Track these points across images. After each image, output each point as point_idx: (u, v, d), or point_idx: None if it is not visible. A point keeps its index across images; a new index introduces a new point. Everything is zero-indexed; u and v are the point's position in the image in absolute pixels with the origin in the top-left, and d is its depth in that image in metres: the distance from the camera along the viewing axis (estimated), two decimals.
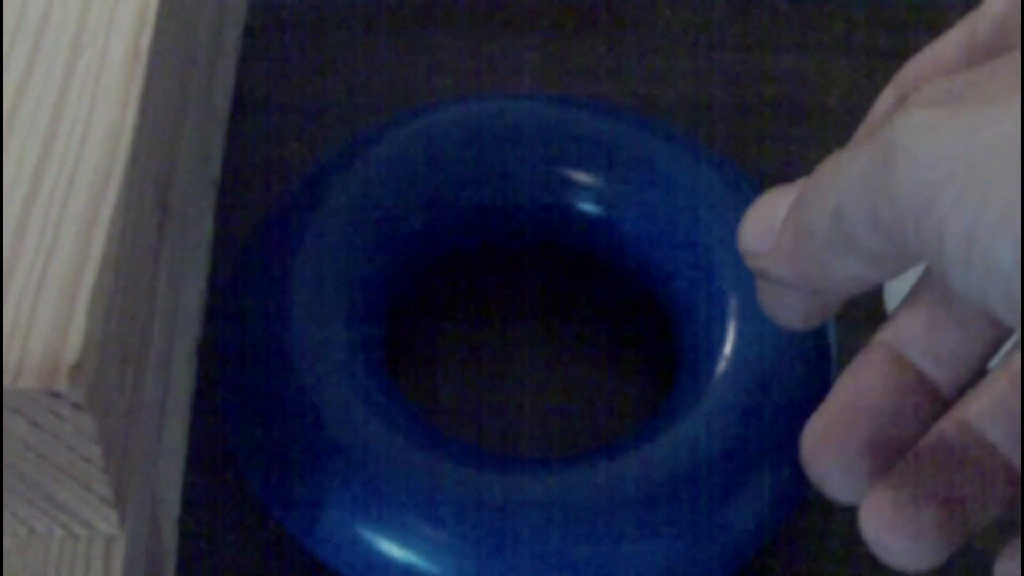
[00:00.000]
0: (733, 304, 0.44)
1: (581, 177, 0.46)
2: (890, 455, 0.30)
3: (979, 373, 0.31)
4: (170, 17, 0.36)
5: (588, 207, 0.46)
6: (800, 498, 0.42)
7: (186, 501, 0.43)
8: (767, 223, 0.31)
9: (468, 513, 0.40)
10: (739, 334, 0.43)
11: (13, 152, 0.31)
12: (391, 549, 0.39)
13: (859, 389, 0.31)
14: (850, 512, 0.44)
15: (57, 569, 0.32)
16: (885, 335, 0.32)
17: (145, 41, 0.33)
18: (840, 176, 0.28)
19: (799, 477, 0.42)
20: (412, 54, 0.54)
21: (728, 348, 0.43)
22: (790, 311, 0.33)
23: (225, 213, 0.48)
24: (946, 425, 0.31)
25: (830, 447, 0.30)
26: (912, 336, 0.32)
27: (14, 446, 0.30)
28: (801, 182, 0.31)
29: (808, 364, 0.43)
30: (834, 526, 0.44)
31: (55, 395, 0.29)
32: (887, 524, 0.29)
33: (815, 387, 0.43)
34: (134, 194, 0.32)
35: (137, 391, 0.34)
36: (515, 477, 0.41)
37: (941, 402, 0.31)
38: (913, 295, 0.32)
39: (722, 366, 0.43)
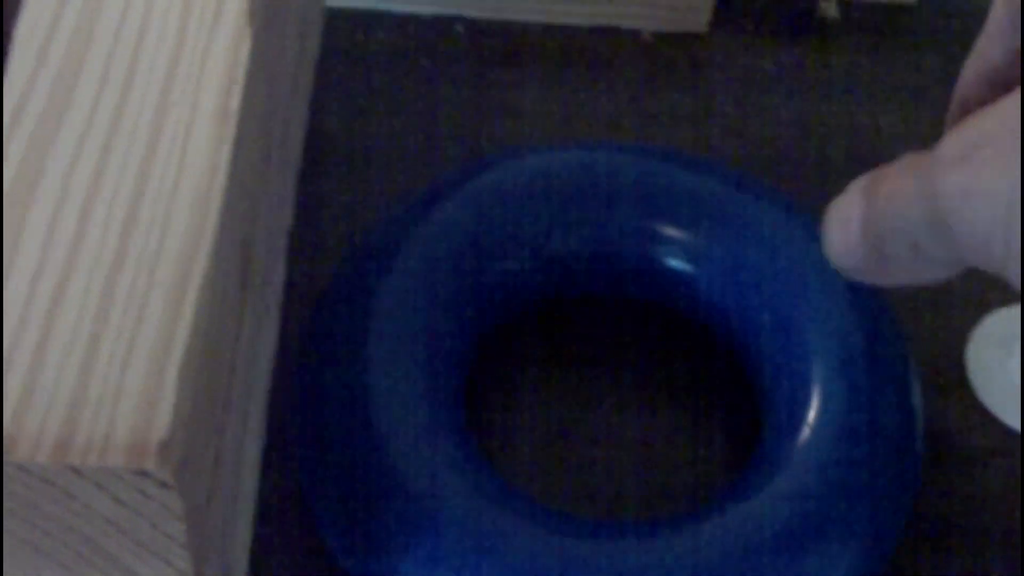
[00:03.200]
0: (818, 369, 0.43)
1: (669, 231, 0.45)
2: None
3: None
4: (258, 70, 0.35)
5: (675, 262, 0.45)
6: (884, 562, 0.42)
7: (254, 553, 0.42)
8: (849, 238, 0.37)
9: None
10: (824, 400, 0.42)
11: (98, 215, 0.30)
12: None
13: None
14: None
15: None
16: None
17: (235, 101, 0.32)
18: (909, 215, 0.34)
19: (878, 551, 0.41)
20: (489, 98, 0.53)
21: (812, 415, 0.42)
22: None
23: (298, 261, 0.47)
24: None
25: None
26: None
27: (96, 522, 0.29)
28: (861, 188, 0.36)
29: (894, 432, 0.42)
30: None
31: (142, 473, 0.28)
32: None
33: (901, 457, 0.42)
34: (222, 258, 0.31)
35: (219, 460, 0.33)
36: (584, 541, 0.40)
37: None
38: None
39: (806, 434, 0.42)
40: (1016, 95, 0.33)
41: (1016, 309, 0.50)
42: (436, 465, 0.40)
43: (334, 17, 0.53)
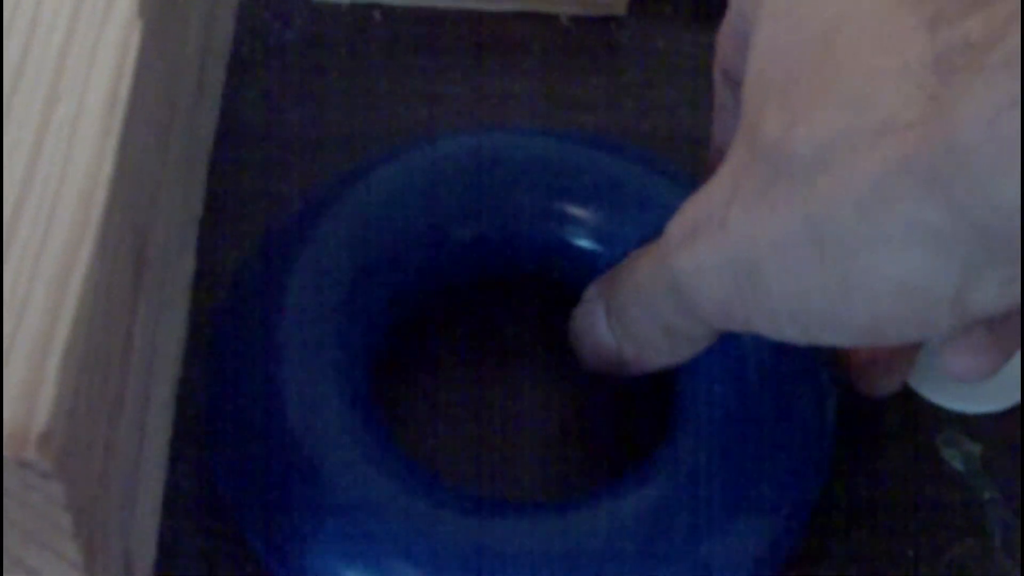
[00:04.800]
0: (728, 344, 0.43)
1: (578, 212, 0.45)
2: None
3: None
4: (151, 62, 0.35)
5: (584, 242, 0.46)
6: (796, 542, 0.42)
7: (164, 548, 0.42)
8: (600, 340, 0.42)
9: (459, 561, 0.39)
10: (734, 375, 0.43)
11: None
12: None
13: None
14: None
15: None
16: None
17: (123, 92, 0.32)
18: (653, 298, 0.39)
19: (791, 527, 0.42)
20: (408, 85, 0.53)
21: (722, 389, 0.43)
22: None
23: (208, 249, 0.47)
24: None
25: None
26: None
27: None
28: (596, 293, 0.42)
29: (804, 408, 0.43)
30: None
31: (24, 464, 0.28)
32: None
33: (812, 434, 0.43)
34: (109, 248, 0.31)
35: (110, 450, 0.33)
36: (509, 523, 0.40)
37: None
38: None
39: (715, 410, 0.42)
40: (715, 177, 0.37)
41: None
42: (354, 456, 0.40)
43: (249, 5, 0.53)
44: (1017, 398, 0.47)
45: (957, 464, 0.46)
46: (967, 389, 0.47)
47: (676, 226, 0.38)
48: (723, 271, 0.36)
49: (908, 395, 0.47)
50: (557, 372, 0.47)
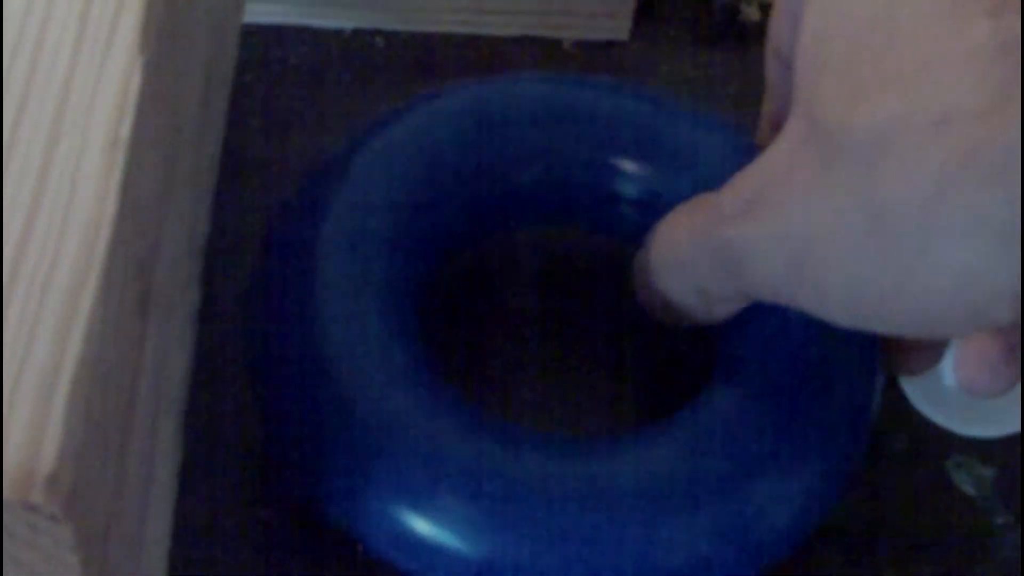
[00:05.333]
0: None
1: (625, 162, 0.45)
2: None
3: None
4: (154, 97, 0.35)
5: (632, 193, 0.46)
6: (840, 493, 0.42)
7: (174, 571, 0.42)
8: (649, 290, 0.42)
9: (501, 492, 0.39)
10: (781, 324, 0.42)
11: None
12: (424, 528, 0.39)
13: None
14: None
15: None
16: None
17: (125, 130, 0.32)
18: (696, 261, 0.39)
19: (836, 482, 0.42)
20: None
21: (770, 337, 0.42)
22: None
23: (213, 279, 0.47)
24: None
25: None
26: None
27: None
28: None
29: (852, 361, 0.43)
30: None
31: (31, 508, 0.28)
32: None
33: (857, 389, 0.43)
34: (114, 288, 0.31)
35: (118, 490, 0.33)
36: (555, 457, 0.40)
37: None
38: None
39: (763, 357, 0.42)
40: (771, 150, 0.36)
41: None
42: (396, 390, 0.40)
43: (251, 32, 0.53)
44: None
45: (968, 489, 0.46)
46: (978, 413, 0.47)
47: (729, 195, 0.37)
48: (775, 248, 0.35)
49: (917, 419, 0.47)
50: (610, 319, 0.48)
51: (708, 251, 0.38)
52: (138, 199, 0.33)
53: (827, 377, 0.42)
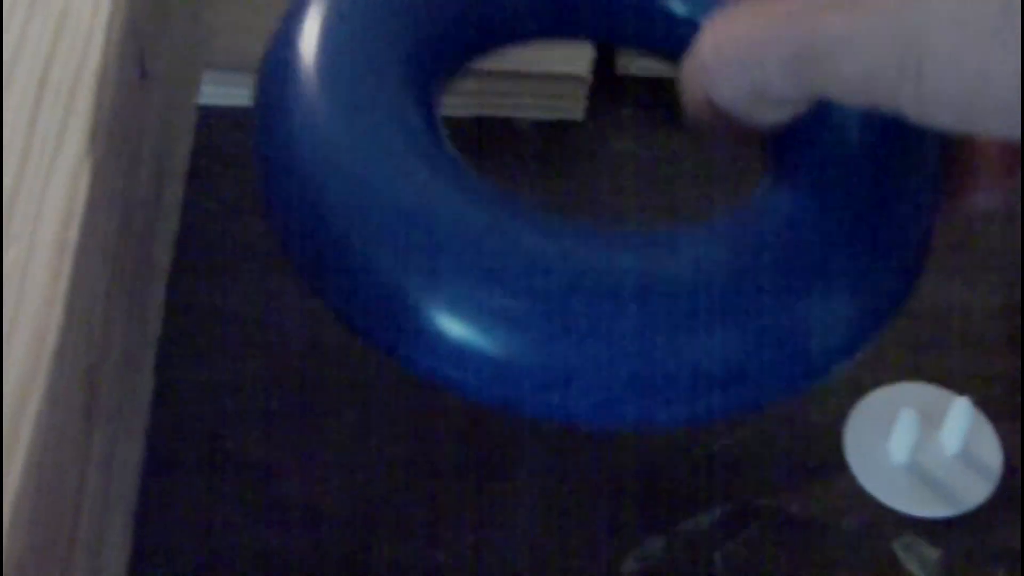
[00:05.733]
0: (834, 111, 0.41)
1: None
2: None
3: None
4: (103, 198, 0.35)
5: (676, 6, 0.44)
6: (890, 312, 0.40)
7: None
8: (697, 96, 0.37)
9: (533, 284, 0.36)
10: (838, 134, 0.40)
11: None
12: (470, 328, 0.36)
13: None
14: None
15: None
16: None
17: (73, 233, 0.32)
18: (762, 59, 0.35)
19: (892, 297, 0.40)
20: None
21: (830, 139, 0.40)
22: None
23: (168, 365, 0.47)
24: None
25: None
26: None
27: None
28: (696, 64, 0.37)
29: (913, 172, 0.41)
30: None
31: None
32: None
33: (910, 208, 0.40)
34: (60, 393, 0.31)
35: None
36: (595, 248, 0.37)
37: None
38: None
39: (819, 151, 0.40)
40: None
41: (891, 391, 0.50)
42: (435, 184, 0.39)
43: (207, 115, 0.53)
44: (976, 503, 0.47)
45: (915, 570, 0.46)
46: (926, 494, 0.48)
47: None
48: (883, 43, 0.32)
49: (865, 499, 0.48)
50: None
51: (782, 45, 0.34)
52: (86, 301, 0.34)
53: (884, 192, 0.40)
